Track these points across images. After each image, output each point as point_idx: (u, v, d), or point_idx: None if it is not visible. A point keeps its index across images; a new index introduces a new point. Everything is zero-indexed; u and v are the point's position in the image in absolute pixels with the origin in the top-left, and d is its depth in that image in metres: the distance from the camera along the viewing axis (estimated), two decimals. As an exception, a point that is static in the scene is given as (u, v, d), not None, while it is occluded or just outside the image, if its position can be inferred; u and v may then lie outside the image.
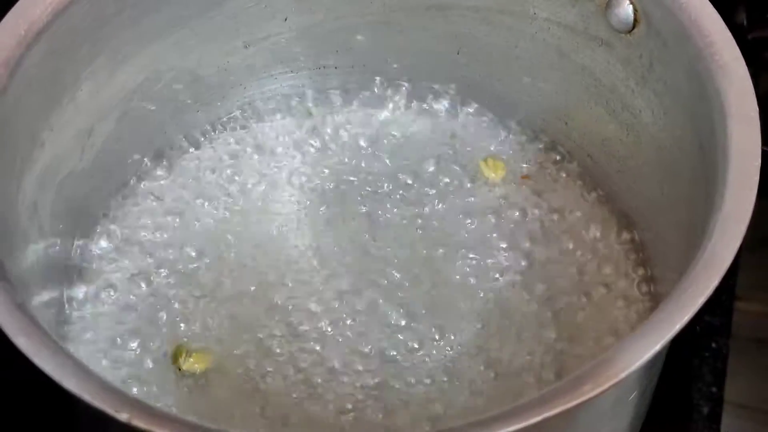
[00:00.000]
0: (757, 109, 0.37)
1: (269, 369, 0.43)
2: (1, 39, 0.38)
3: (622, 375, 0.30)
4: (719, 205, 0.34)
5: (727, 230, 0.33)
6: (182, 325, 0.44)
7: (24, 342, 0.31)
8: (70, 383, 0.30)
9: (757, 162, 0.35)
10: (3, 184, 0.37)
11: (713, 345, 0.51)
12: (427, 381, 0.42)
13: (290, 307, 0.44)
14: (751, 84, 0.37)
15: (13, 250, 0.37)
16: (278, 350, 0.43)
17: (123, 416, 0.29)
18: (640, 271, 0.44)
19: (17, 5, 0.39)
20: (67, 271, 0.45)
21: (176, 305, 0.45)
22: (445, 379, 0.42)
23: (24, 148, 0.40)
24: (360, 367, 0.42)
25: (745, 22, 0.58)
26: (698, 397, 0.49)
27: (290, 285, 0.45)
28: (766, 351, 0.55)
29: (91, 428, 0.35)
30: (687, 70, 0.40)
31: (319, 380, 0.42)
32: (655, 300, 0.43)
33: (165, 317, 0.44)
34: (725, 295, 0.53)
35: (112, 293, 0.45)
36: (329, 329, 0.44)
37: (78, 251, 0.45)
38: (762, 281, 0.56)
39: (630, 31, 0.43)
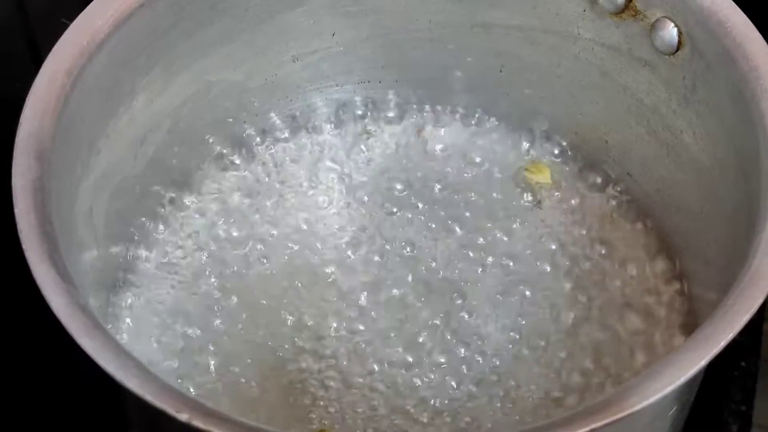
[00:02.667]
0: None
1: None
2: (65, 49, 0.39)
3: (668, 389, 0.31)
4: (762, 226, 0.35)
5: (771, 250, 0.34)
6: (225, 335, 0.45)
7: (88, 343, 0.32)
8: (132, 383, 0.31)
9: (802, 183, 0.35)
10: (64, 189, 0.38)
11: (742, 364, 0.52)
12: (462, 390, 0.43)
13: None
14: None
15: (70, 254, 0.38)
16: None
17: (183, 416, 0.30)
18: (677, 286, 0.45)
19: (80, 17, 0.40)
20: (115, 278, 0.46)
21: (221, 310, 0.46)
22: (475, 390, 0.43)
23: (83, 155, 0.41)
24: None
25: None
26: (727, 415, 0.50)
27: (330, 276, 0.46)
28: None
29: (146, 428, 0.36)
30: (730, 93, 0.40)
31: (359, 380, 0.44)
32: (692, 317, 0.44)
33: (212, 323, 0.45)
34: (755, 315, 0.54)
35: (157, 300, 0.46)
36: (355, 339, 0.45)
37: (127, 258, 0.47)
38: None
39: (674, 53, 0.43)
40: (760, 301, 0.33)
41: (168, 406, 0.30)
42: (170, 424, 0.31)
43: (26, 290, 0.34)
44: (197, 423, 0.30)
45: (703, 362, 0.31)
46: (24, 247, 0.34)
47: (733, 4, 0.41)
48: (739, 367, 0.51)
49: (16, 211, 0.35)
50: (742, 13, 0.41)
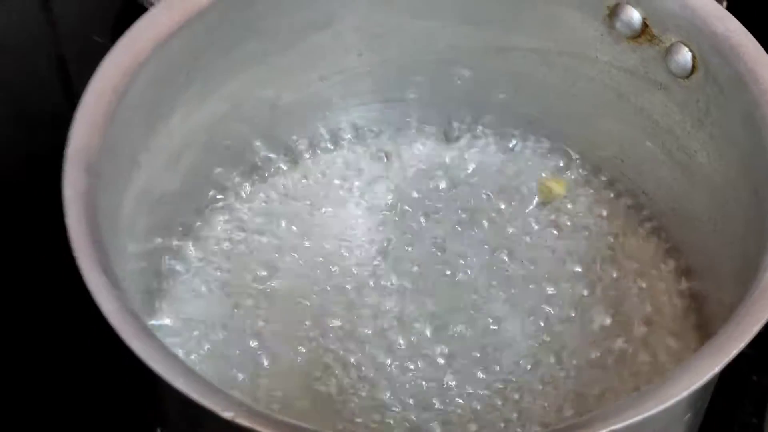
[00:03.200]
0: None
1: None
2: (111, 68, 0.41)
3: (683, 395, 0.33)
4: (774, 240, 0.37)
5: (782, 265, 0.36)
6: (259, 350, 0.47)
7: (138, 346, 0.34)
8: (179, 383, 0.33)
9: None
10: (109, 201, 0.40)
11: (754, 378, 0.54)
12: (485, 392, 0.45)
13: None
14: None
15: (116, 263, 0.40)
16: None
17: (228, 414, 0.32)
18: (690, 301, 0.47)
19: (123, 38, 0.42)
20: (149, 289, 0.48)
21: (253, 322, 0.47)
22: (500, 388, 0.45)
23: (126, 169, 0.43)
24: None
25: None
26: (738, 428, 0.52)
27: (351, 287, 0.48)
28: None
29: (185, 427, 0.38)
30: (743, 116, 0.42)
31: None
32: (704, 330, 0.46)
33: (244, 335, 0.47)
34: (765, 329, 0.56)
35: (188, 310, 0.48)
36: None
37: (163, 268, 0.48)
38: None
39: (688, 77, 0.45)
40: (770, 312, 0.35)
41: (213, 404, 0.32)
42: (214, 423, 0.33)
43: (74, 296, 0.37)
44: (241, 421, 0.32)
45: (716, 369, 0.33)
46: (76, 255, 0.36)
47: (746, 30, 0.43)
48: (751, 380, 0.53)
49: (67, 220, 0.37)
50: (753, 39, 0.43)
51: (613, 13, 0.46)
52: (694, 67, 0.45)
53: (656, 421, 0.35)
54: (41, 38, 0.70)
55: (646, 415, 0.32)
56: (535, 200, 0.51)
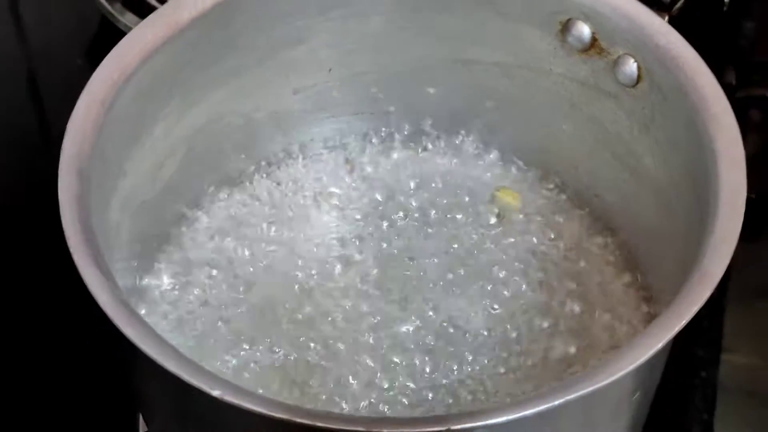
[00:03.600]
0: (743, 152, 0.43)
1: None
2: (99, 82, 0.44)
3: (631, 367, 0.36)
4: (711, 230, 0.40)
5: (719, 250, 0.39)
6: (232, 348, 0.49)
7: (131, 332, 0.37)
8: (170, 365, 0.36)
9: (743, 194, 0.41)
10: (99, 204, 0.43)
11: (703, 374, 0.57)
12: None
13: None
14: (739, 132, 0.44)
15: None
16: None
17: (216, 392, 0.35)
18: (640, 292, 0.50)
19: (111, 53, 0.45)
20: (132, 293, 0.50)
21: (227, 327, 0.50)
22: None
23: (112, 176, 0.46)
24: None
25: (734, 82, 0.65)
26: (690, 422, 0.55)
27: (317, 294, 0.51)
28: (754, 402, 0.57)
29: (171, 408, 0.41)
30: (684, 120, 0.46)
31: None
32: (653, 317, 0.49)
33: (214, 340, 0.49)
34: (714, 331, 0.59)
35: (168, 313, 0.51)
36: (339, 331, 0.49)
37: (143, 268, 0.51)
38: (749, 333, 0.59)
39: (634, 86, 0.48)
40: (707, 294, 0.38)
41: (203, 384, 0.35)
42: (202, 400, 0.36)
43: (70, 289, 0.40)
44: (228, 398, 0.35)
45: (660, 345, 0.37)
46: (72, 251, 0.39)
47: (686, 42, 0.47)
48: (700, 377, 0.56)
49: (63, 221, 0.40)
50: (693, 50, 0.46)
51: (565, 28, 0.50)
52: (639, 77, 0.48)
53: (607, 394, 0.38)
54: (13, 59, 0.73)
55: (597, 386, 0.36)
56: (494, 209, 0.54)
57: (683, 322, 0.37)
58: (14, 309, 0.58)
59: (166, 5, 0.47)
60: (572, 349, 0.49)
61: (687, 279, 0.39)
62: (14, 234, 0.62)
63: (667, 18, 0.48)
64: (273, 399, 0.35)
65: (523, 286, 0.51)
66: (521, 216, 0.54)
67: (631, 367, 0.36)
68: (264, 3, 0.50)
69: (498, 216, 0.54)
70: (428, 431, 0.34)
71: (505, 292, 0.51)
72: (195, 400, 0.37)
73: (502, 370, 0.48)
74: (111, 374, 0.53)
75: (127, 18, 0.69)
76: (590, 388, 0.35)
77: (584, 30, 0.49)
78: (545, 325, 0.50)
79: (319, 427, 0.34)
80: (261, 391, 0.47)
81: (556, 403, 0.35)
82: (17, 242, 0.62)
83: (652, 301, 0.49)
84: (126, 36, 0.46)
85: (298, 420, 0.34)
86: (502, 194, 0.55)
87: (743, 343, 0.58)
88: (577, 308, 0.50)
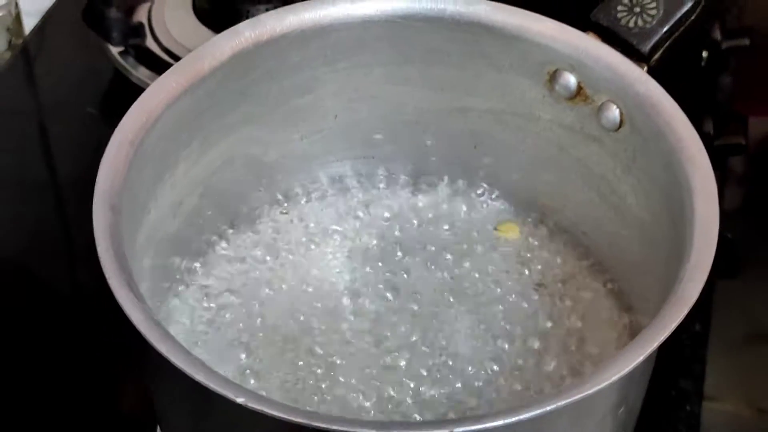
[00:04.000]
0: (716, 189, 0.47)
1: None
2: (129, 123, 0.48)
3: (614, 378, 0.40)
4: (687, 258, 0.44)
5: (694, 276, 0.43)
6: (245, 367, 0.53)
7: (163, 348, 0.40)
8: (200, 376, 0.39)
9: (716, 226, 0.45)
10: (128, 240, 0.46)
11: (687, 408, 0.60)
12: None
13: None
14: (711, 170, 0.47)
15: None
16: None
17: (240, 400, 0.39)
18: (625, 319, 0.54)
19: (140, 98, 0.49)
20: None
21: (243, 359, 0.53)
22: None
23: (138, 212, 0.49)
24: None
25: (712, 131, 0.70)
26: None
27: (323, 326, 0.54)
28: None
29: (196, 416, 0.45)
30: (663, 161, 0.49)
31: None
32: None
33: (231, 371, 0.52)
34: (696, 363, 0.63)
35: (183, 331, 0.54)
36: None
37: (165, 305, 0.54)
38: (731, 382, 0.61)
39: (617, 130, 0.52)
40: (684, 313, 0.42)
41: (229, 392, 0.39)
42: (225, 410, 0.39)
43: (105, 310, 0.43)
44: (252, 405, 0.39)
45: (640, 358, 0.40)
46: (107, 276, 0.43)
47: (664, 91, 0.50)
48: (684, 410, 0.60)
49: (99, 249, 0.44)
50: (670, 97, 0.50)
51: (553, 78, 0.54)
52: (621, 121, 0.52)
53: (593, 405, 0.42)
54: (25, 109, 0.77)
55: (584, 394, 0.39)
56: (491, 243, 0.58)
57: (661, 338, 0.41)
58: (46, 325, 0.62)
59: (188, 55, 0.51)
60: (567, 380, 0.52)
61: (665, 302, 0.43)
62: (26, 275, 0.66)
63: (646, 68, 0.52)
64: (292, 405, 0.39)
65: (517, 317, 0.55)
66: (518, 250, 0.58)
67: (615, 377, 0.40)
68: (276, 55, 0.54)
69: (496, 251, 0.58)
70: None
71: (506, 326, 0.54)
72: (218, 409, 0.40)
73: (495, 395, 0.51)
74: (131, 391, 0.57)
75: (140, 72, 0.74)
76: (580, 395, 0.39)
77: (570, 79, 0.53)
78: (540, 355, 0.53)
79: (333, 429, 0.37)
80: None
81: (549, 408, 0.38)
82: (30, 281, 0.65)
83: (637, 327, 0.53)
84: (154, 82, 0.50)
85: (315, 424, 0.38)
86: (502, 229, 0.58)
87: (725, 393, 0.61)
88: (569, 340, 0.54)
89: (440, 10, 0.54)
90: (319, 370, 0.53)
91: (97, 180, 0.46)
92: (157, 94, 0.50)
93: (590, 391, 0.39)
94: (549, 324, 0.54)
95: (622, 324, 0.54)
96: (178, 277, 0.56)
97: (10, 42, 0.83)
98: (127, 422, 0.57)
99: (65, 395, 0.59)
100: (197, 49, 0.52)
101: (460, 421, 0.38)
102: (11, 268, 0.66)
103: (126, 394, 0.59)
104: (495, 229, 0.59)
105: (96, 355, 0.60)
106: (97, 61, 0.77)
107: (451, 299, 0.56)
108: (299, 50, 0.54)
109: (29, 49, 0.80)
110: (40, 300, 0.64)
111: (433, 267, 0.57)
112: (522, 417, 0.38)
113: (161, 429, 0.52)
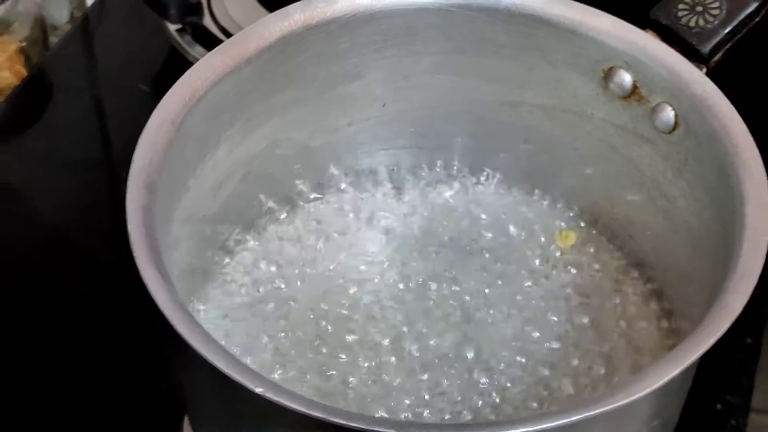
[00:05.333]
0: (770, 196, 0.45)
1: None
2: (172, 101, 0.48)
3: (649, 389, 0.38)
4: (734, 268, 0.42)
5: (739, 287, 0.41)
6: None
7: (185, 330, 0.39)
8: (220, 363, 0.39)
9: (766, 236, 0.43)
10: (163, 215, 0.46)
11: (732, 422, 0.59)
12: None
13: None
14: (766, 177, 0.46)
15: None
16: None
17: (259, 390, 0.38)
18: (666, 324, 0.52)
19: (184, 76, 0.48)
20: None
21: (277, 341, 0.52)
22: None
23: (177, 190, 0.49)
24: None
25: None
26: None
27: (358, 316, 0.54)
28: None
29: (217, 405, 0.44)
30: (716, 165, 0.48)
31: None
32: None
33: (262, 359, 0.52)
34: (744, 377, 0.61)
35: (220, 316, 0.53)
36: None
37: (199, 287, 0.54)
38: None
39: (671, 132, 0.51)
40: (727, 325, 0.40)
41: (249, 382, 0.38)
42: (246, 397, 0.39)
43: (133, 289, 0.43)
44: (270, 395, 0.38)
45: (677, 371, 0.39)
46: (135, 255, 0.42)
47: (721, 92, 0.49)
48: (729, 425, 0.58)
49: (129, 227, 0.43)
50: (727, 100, 0.49)
51: (608, 75, 0.52)
52: (676, 123, 0.50)
53: (627, 414, 0.40)
54: (83, 83, 0.77)
55: (617, 404, 0.38)
56: (535, 241, 0.57)
57: (701, 351, 0.39)
58: (69, 313, 0.62)
59: (236, 35, 0.51)
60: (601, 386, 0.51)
61: (708, 313, 0.41)
62: (77, 253, 0.66)
63: (705, 70, 0.51)
64: (311, 399, 0.38)
65: (559, 319, 0.54)
66: (562, 254, 0.56)
67: (650, 389, 0.38)
68: (325, 40, 0.53)
69: (539, 249, 0.56)
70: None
71: (543, 324, 0.53)
72: (239, 397, 0.40)
73: (534, 405, 0.50)
74: (158, 378, 0.57)
75: (195, 50, 0.73)
76: (611, 406, 0.38)
77: (626, 78, 0.52)
78: (576, 361, 0.52)
79: (351, 426, 0.37)
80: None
81: (575, 418, 0.37)
82: (80, 260, 0.66)
83: (679, 335, 0.51)
84: (199, 61, 0.49)
85: (333, 419, 0.37)
86: (559, 237, 0.57)
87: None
88: (610, 344, 0.52)
89: (496, 1, 0.53)
90: (352, 364, 0.52)
91: (133, 158, 0.45)
92: (202, 72, 0.49)
93: (622, 402, 0.38)
94: (590, 327, 0.53)
95: (666, 329, 0.52)
96: (216, 259, 0.55)
97: (72, 14, 0.84)
98: (158, 403, 0.57)
99: (103, 371, 0.59)
100: (245, 30, 0.51)
101: (481, 426, 0.37)
102: (63, 244, 0.66)
103: (161, 376, 0.58)
104: (557, 233, 0.57)
105: (137, 335, 0.60)
106: (153, 37, 0.76)
107: (492, 298, 0.55)
108: (349, 35, 0.53)
109: (89, 23, 0.80)
110: (90, 277, 0.64)
111: (474, 263, 0.56)
112: (547, 426, 0.37)
113: (188, 414, 0.52)
